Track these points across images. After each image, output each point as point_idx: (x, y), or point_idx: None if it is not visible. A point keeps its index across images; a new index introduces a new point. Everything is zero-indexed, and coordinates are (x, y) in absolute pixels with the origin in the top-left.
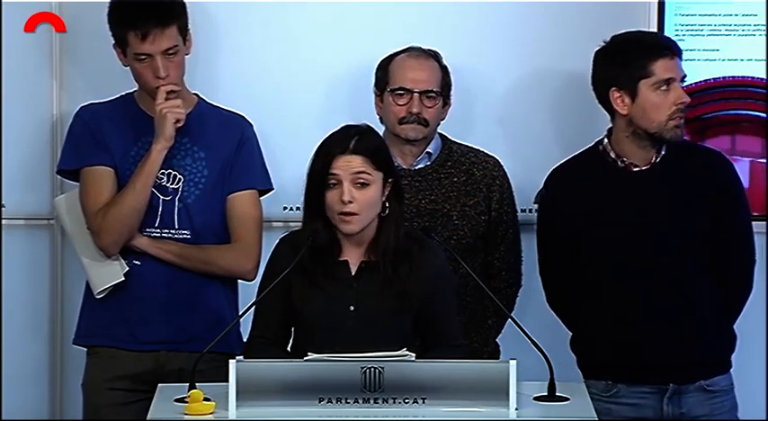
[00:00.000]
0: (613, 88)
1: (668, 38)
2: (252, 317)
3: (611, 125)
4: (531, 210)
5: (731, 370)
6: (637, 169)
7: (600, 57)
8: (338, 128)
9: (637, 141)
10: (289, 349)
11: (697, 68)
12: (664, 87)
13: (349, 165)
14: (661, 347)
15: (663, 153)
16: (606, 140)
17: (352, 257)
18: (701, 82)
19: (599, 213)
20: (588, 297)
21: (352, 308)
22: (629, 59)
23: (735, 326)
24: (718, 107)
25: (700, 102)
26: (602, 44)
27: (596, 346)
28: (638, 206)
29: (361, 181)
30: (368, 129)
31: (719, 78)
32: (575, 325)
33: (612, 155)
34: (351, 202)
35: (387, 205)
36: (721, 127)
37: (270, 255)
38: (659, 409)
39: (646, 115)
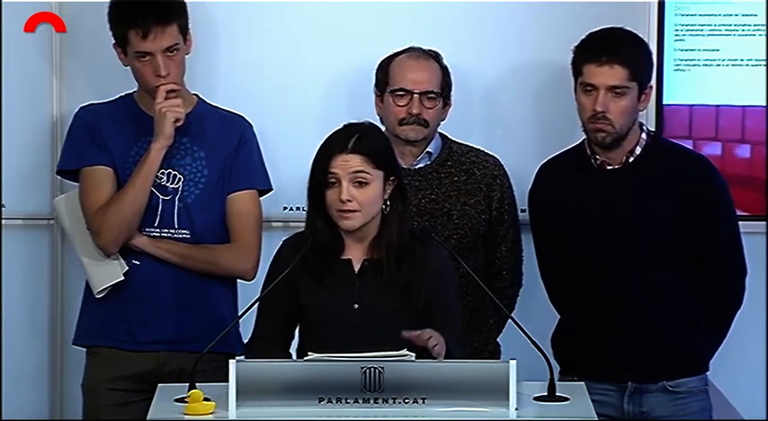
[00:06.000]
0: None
1: (623, 45)
2: (253, 317)
3: None
4: None
5: (707, 372)
6: (611, 168)
7: None
8: (340, 126)
9: None
10: (294, 349)
11: (697, 68)
12: (588, 89)
13: (347, 164)
14: (623, 346)
15: (638, 153)
16: (587, 137)
17: (355, 255)
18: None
19: (577, 210)
20: (568, 292)
21: (356, 306)
22: (575, 52)
23: (733, 327)
24: None
25: None
26: None
27: (567, 342)
28: (612, 205)
29: (360, 180)
30: (369, 128)
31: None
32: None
33: (589, 152)
34: (349, 201)
35: (389, 203)
36: None
37: (273, 257)
38: (620, 407)
39: (578, 111)
